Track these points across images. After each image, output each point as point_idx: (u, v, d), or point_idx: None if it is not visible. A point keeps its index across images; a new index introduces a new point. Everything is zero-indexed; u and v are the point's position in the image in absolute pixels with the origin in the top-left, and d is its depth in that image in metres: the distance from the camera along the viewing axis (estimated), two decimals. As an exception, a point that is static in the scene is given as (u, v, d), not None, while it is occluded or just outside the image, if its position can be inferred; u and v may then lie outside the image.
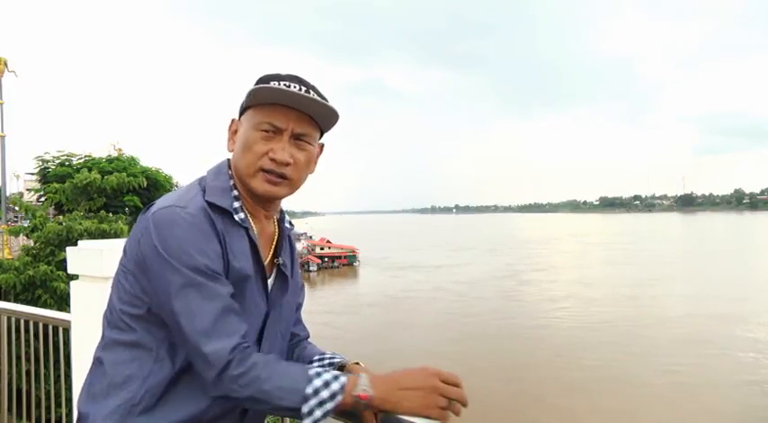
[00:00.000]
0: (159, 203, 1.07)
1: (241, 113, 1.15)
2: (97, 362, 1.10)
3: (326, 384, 0.95)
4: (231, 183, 1.14)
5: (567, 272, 52.56)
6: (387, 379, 0.99)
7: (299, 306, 1.33)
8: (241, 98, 1.15)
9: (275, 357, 1.02)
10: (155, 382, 1.03)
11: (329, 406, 0.94)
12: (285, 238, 1.26)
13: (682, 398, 18.80)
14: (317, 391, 0.94)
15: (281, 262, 1.21)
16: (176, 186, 14.58)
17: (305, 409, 0.94)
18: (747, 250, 68.32)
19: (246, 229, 1.11)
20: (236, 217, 1.10)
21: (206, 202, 1.06)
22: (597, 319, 31.20)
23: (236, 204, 1.11)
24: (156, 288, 1.02)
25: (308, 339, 1.40)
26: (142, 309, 1.06)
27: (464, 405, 0.99)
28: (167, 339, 1.05)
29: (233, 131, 1.16)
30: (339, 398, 0.95)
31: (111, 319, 1.10)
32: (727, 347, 24.56)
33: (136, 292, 1.06)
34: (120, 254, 1.12)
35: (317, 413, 0.94)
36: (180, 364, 1.04)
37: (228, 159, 1.19)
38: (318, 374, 0.97)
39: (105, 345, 1.10)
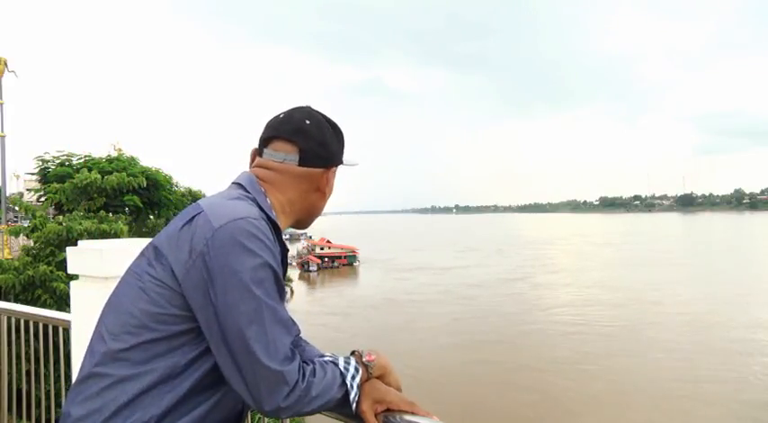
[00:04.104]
0: (225, 213, 1.01)
1: (330, 165, 1.24)
2: (98, 375, 1.00)
3: (347, 362, 1.10)
4: (269, 202, 1.16)
5: (581, 274, 50.79)
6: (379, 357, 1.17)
7: None
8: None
9: (312, 359, 1.09)
10: (170, 401, 0.99)
11: (358, 379, 1.09)
12: None
13: (712, 413, 18.05)
14: (348, 371, 1.09)
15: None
16: (176, 186, 14.56)
17: (352, 395, 1.07)
18: (759, 250, 67.71)
19: (286, 250, 1.15)
20: (284, 237, 1.15)
21: (270, 220, 1.10)
22: (624, 326, 29.53)
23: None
24: (222, 308, 0.95)
25: (301, 335, 1.41)
26: (180, 326, 1.00)
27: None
28: (189, 359, 1.01)
29: (327, 180, 1.25)
30: (361, 369, 1.11)
31: (133, 331, 1.00)
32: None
33: (172, 311, 0.99)
34: (121, 254, 1.10)
35: (355, 389, 1.08)
36: (191, 383, 1.01)
37: (250, 175, 1.18)
38: (337, 359, 1.11)
39: (110, 357, 1.01)
